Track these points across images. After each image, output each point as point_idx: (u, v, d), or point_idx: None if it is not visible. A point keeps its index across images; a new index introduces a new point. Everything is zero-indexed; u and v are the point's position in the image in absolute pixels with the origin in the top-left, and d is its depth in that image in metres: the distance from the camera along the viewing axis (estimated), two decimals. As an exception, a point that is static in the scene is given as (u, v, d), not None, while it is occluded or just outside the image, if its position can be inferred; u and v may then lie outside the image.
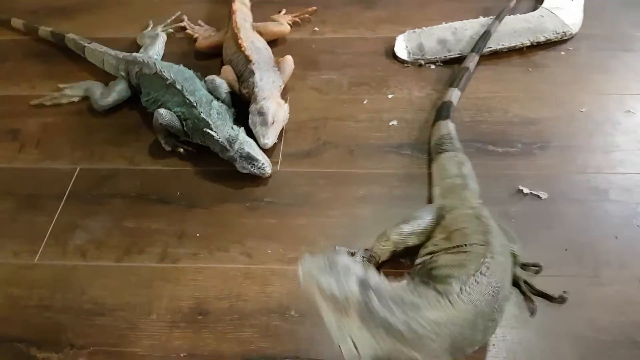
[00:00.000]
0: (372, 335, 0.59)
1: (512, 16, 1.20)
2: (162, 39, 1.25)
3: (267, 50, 1.15)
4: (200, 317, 0.82)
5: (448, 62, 1.17)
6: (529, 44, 1.16)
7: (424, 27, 1.22)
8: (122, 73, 1.14)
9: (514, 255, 0.78)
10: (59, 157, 1.07)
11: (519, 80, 1.12)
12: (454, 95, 1.04)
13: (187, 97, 1.02)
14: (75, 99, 1.16)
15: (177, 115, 1.04)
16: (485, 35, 1.13)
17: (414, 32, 1.22)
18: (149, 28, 1.31)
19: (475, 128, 1.03)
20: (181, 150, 1.04)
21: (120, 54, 1.16)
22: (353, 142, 1.04)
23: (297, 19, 1.29)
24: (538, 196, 0.91)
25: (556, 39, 1.17)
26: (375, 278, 0.61)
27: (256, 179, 0.99)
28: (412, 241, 0.81)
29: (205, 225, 0.94)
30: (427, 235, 0.80)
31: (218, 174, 1.01)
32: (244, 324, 0.81)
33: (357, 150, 1.03)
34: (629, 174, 0.94)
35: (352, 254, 0.83)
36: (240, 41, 1.11)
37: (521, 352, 0.76)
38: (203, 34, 1.27)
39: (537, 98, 1.08)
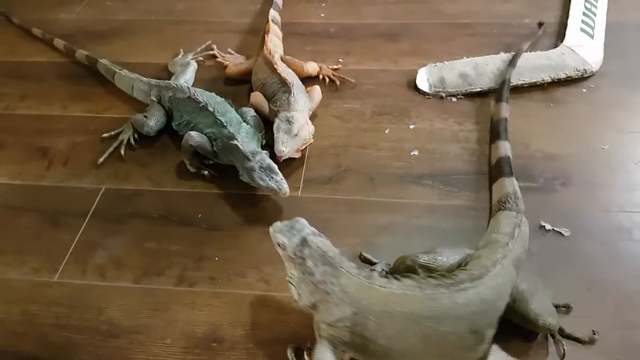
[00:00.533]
0: (305, 284, 0.71)
1: (533, 53, 1.22)
2: (192, 66, 1.28)
3: (297, 78, 1.18)
4: (214, 344, 0.82)
5: (469, 96, 1.19)
6: (550, 80, 1.17)
7: (445, 61, 1.24)
8: (154, 98, 1.17)
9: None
10: (85, 175, 1.10)
11: (540, 115, 1.13)
12: (507, 148, 1.01)
13: (219, 117, 1.06)
14: (132, 139, 1.14)
15: (207, 137, 1.06)
16: (505, 83, 1.13)
17: (436, 65, 1.24)
18: (180, 56, 1.35)
19: (496, 161, 1.04)
20: (205, 172, 1.06)
21: (153, 81, 1.20)
22: (374, 170, 1.05)
23: (333, 77, 1.26)
24: (560, 233, 0.91)
25: (577, 76, 1.18)
26: (318, 240, 0.73)
27: (277, 204, 1.00)
28: (422, 273, 0.80)
29: (225, 249, 0.95)
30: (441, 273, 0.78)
31: (240, 198, 1.02)
32: (259, 353, 0.81)
33: (377, 178, 1.04)
34: (653, 214, 0.93)
35: (373, 264, 0.89)
36: (275, 66, 1.14)
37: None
38: (233, 61, 1.31)
39: (558, 134, 1.08)
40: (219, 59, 1.34)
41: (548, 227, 0.91)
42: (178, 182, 1.07)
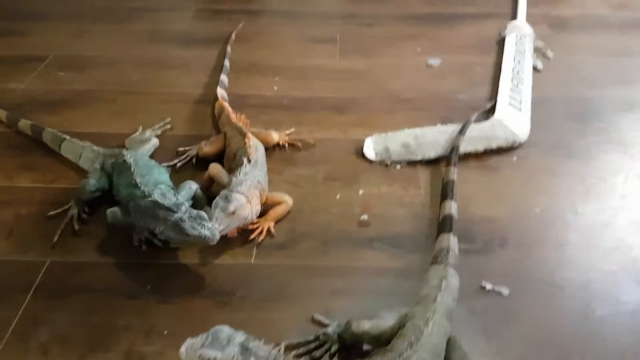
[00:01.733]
0: None
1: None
2: (152, 143, 1.28)
3: (263, 155, 1.20)
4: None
5: (411, 163, 1.27)
6: (483, 150, 1.29)
7: (389, 132, 1.34)
8: (97, 165, 1.16)
9: None
10: (30, 249, 1.06)
11: (476, 182, 1.22)
12: (453, 207, 1.07)
13: (136, 178, 1.03)
14: (82, 213, 1.11)
15: (125, 200, 1.03)
16: (454, 149, 1.23)
17: (381, 135, 1.33)
18: (138, 132, 1.34)
19: (439, 225, 1.11)
20: (156, 241, 1.02)
21: (102, 149, 1.20)
22: (327, 235, 1.09)
23: (293, 143, 1.32)
24: (500, 292, 0.96)
25: (507, 146, 1.30)
26: (255, 342, 0.73)
27: (230, 273, 1.00)
28: (366, 339, 0.83)
29: (175, 321, 0.93)
30: (386, 338, 0.80)
31: (190, 268, 1.01)
32: None
33: (330, 242, 1.07)
34: (581, 271, 1.01)
35: (325, 326, 0.89)
36: (247, 140, 1.16)
37: None
38: (202, 146, 1.27)
39: (493, 198, 1.18)
40: (192, 152, 1.29)
41: (489, 287, 0.97)
42: (126, 253, 1.04)
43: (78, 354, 0.88)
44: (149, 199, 0.98)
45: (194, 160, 1.27)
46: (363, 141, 1.32)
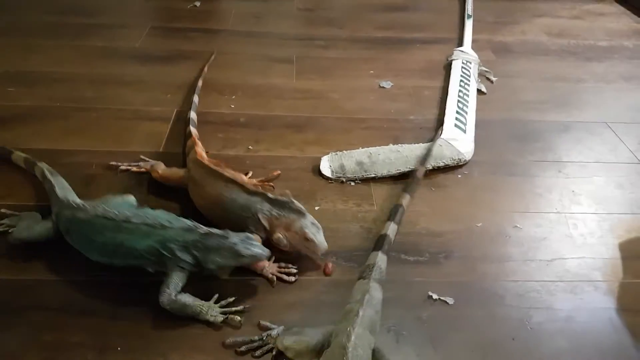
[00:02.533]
0: None
1: (416, 145, 1.42)
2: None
3: None
4: None
5: (365, 180, 1.33)
6: (430, 168, 1.36)
7: (344, 150, 1.39)
8: (54, 216, 1.05)
9: None
10: (-24, 267, 1.03)
11: (425, 198, 1.29)
12: (391, 228, 1.10)
13: (154, 222, 0.96)
14: (10, 230, 1.07)
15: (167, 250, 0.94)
16: (414, 180, 1.27)
17: (336, 154, 1.38)
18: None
19: (390, 239, 1.16)
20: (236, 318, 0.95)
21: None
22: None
23: (262, 184, 1.25)
24: (445, 302, 1.02)
25: (453, 164, 1.38)
26: None
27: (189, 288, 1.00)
28: (290, 355, 0.86)
29: (128, 337, 0.92)
30: (310, 353, 0.82)
31: (143, 284, 1.00)
32: None
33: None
34: (520, 281, 1.09)
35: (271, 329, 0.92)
36: (249, 185, 1.11)
37: None
38: (157, 167, 1.25)
39: (440, 213, 1.24)
40: (135, 169, 1.28)
41: (435, 296, 1.02)
42: (79, 270, 1.03)
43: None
44: (199, 233, 0.95)
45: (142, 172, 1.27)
46: (319, 159, 1.37)
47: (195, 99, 1.54)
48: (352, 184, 1.32)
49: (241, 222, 1.07)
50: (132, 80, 1.70)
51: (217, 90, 1.67)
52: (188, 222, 0.98)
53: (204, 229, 0.97)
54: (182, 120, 1.47)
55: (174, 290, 0.93)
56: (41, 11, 2.11)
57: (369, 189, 1.31)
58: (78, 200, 1.06)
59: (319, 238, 1.04)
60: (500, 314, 1.01)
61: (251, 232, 1.04)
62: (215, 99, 1.63)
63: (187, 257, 0.95)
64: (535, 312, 1.01)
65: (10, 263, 1.04)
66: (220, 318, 0.94)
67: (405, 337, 0.94)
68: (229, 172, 1.13)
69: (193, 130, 1.36)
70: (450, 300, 1.02)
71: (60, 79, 1.67)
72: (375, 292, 0.93)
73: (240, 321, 0.95)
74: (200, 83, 1.63)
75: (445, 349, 0.93)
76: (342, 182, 1.32)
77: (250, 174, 1.29)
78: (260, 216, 1.06)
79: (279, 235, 1.04)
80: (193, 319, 0.94)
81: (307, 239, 1.03)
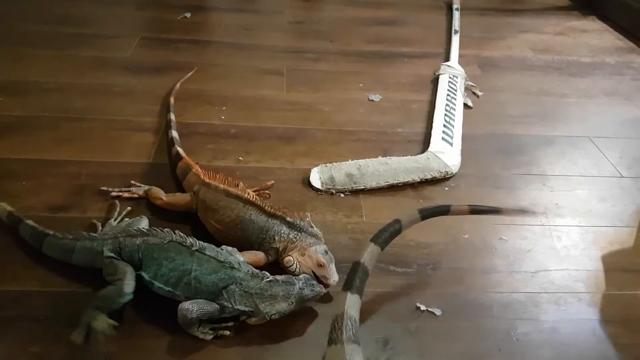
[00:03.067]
0: None
1: (405, 157, 1.44)
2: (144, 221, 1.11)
3: None
4: None
5: (354, 192, 1.34)
6: (418, 180, 1.38)
7: (334, 162, 1.41)
8: (111, 254, 0.97)
9: None
10: (-38, 278, 1.02)
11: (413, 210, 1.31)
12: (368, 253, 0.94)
13: (217, 257, 0.95)
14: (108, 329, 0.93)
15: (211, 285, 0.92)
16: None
17: (326, 166, 1.40)
18: (99, 230, 1.12)
19: (379, 251, 1.17)
20: (226, 332, 0.94)
21: (107, 234, 1.02)
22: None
23: (258, 193, 1.26)
24: (433, 313, 1.03)
25: (440, 177, 1.41)
26: None
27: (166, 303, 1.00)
28: None
29: (117, 349, 0.91)
30: None
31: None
32: None
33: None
34: (506, 293, 1.10)
35: None
36: (258, 202, 1.10)
37: None
38: (159, 194, 1.21)
39: (428, 226, 1.24)
40: (126, 195, 1.24)
41: (423, 307, 1.04)
42: (67, 281, 1.02)
43: None
44: (265, 280, 0.94)
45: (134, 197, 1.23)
46: (309, 170, 1.38)
47: (172, 116, 1.50)
48: (342, 195, 1.34)
49: (257, 243, 1.07)
50: (123, 90, 1.70)
51: (208, 101, 1.68)
52: (253, 269, 0.97)
53: (268, 276, 0.96)
54: (173, 131, 1.48)
55: (198, 315, 0.91)
56: (31, 20, 2.11)
57: (358, 200, 1.32)
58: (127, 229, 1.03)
59: (332, 269, 1.03)
60: (486, 325, 1.03)
61: (264, 252, 1.06)
62: (206, 110, 1.64)
63: (242, 306, 0.93)
64: (521, 323, 1.03)
65: (-3, 274, 1.03)
66: (210, 336, 0.93)
67: (393, 348, 0.95)
68: (241, 191, 1.13)
69: (181, 151, 1.31)
70: (437, 312, 1.03)
71: (50, 88, 1.67)
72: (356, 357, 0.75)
73: (230, 334, 0.95)
74: (172, 100, 1.59)
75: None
76: (332, 193, 1.34)
77: (240, 186, 1.29)
78: (276, 238, 1.06)
79: (291, 258, 1.04)
80: (182, 330, 0.94)
81: (320, 266, 1.02)
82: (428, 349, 0.96)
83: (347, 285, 0.86)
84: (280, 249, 1.06)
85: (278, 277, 0.97)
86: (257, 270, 0.98)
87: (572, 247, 1.24)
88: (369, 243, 0.95)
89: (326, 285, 1.01)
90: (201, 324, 0.93)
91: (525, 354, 0.98)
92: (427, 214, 1.05)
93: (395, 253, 1.15)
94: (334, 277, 1.03)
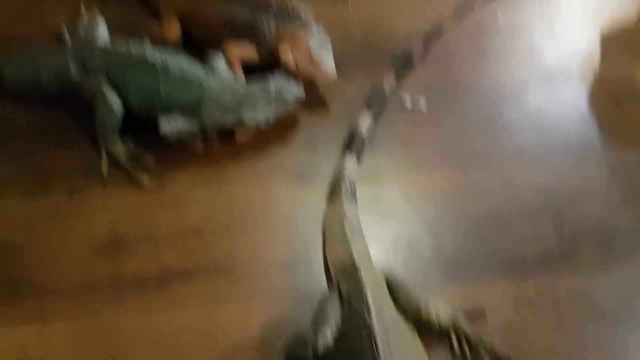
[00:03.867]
0: None
1: None
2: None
3: None
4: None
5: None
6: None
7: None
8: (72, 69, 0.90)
9: None
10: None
11: None
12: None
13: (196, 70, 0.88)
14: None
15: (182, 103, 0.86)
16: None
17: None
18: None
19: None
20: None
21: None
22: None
23: None
24: (418, 103, 1.00)
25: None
26: None
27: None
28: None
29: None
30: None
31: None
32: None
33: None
34: (497, 77, 1.07)
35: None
36: None
37: None
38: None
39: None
40: None
41: (407, 98, 1.00)
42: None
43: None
44: (242, 91, 0.87)
45: None
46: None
47: None
48: None
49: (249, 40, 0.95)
50: None
51: None
52: (229, 78, 0.90)
53: (244, 83, 0.90)
54: None
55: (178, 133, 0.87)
56: None
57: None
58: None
59: (328, 62, 0.91)
60: (473, 110, 1.01)
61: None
62: None
63: (222, 120, 0.87)
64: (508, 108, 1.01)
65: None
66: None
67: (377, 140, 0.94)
68: None
69: None
70: (422, 102, 1.00)
71: None
72: (352, 213, 0.79)
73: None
74: None
75: (414, 147, 0.95)
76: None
77: None
78: (267, 34, 0.93)
79: (285, 48, 0.92)
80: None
81: (313, 62, 0.91)
82: (408, 135, 0.96)
83: (348, 145, 0.89)
84: (274, 47, 0.94)
85: (253, 85, 0.89)
86: (232, 79, 0.91)
87: (569, 29, 1.15)
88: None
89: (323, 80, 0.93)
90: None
91: (508, 136, 0.98)
92: None
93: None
94: (331, 71, 0.91)
